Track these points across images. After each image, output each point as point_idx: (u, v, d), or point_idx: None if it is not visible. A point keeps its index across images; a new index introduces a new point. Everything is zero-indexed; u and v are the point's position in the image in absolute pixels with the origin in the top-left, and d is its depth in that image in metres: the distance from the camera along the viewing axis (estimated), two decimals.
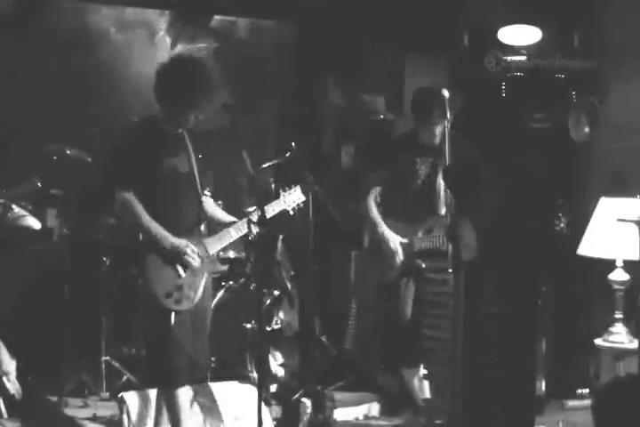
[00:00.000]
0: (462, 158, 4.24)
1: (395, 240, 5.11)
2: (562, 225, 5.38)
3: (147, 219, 4.21)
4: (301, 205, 4.76)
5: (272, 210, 4.55)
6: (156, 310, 4.25)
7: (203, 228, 4.42)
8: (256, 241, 4.40)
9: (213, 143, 5.10)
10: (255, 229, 4.15)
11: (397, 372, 5.32)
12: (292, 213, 4.69)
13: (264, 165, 5.36)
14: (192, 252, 4.26)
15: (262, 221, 4.02)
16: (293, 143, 5.22)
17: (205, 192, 4.52)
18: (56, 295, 5.46)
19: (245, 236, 4.38)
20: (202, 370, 4.59)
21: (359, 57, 6.82)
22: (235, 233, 4.41)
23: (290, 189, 4.69)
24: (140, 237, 4.27)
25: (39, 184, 5.09)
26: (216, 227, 4.50)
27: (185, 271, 4.28)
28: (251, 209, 4.90)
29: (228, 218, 4.55)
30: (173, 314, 4.21)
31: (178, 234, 4.26)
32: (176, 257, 4.24)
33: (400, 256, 5.10)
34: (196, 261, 4.28)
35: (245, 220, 4.30)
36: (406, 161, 5.16)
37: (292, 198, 4.68)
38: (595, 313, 5.71)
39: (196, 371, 4.43)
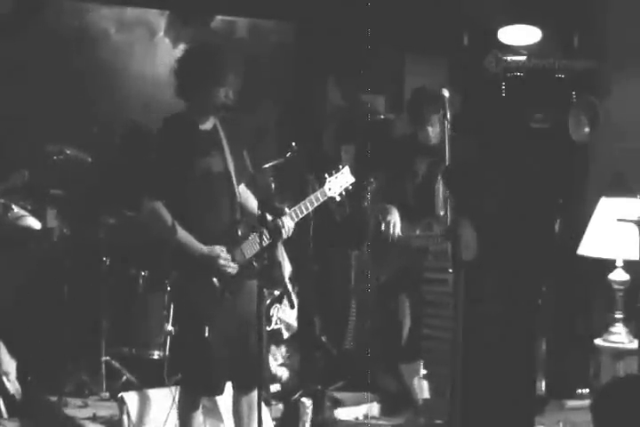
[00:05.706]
0: (462, 159, 4.25)
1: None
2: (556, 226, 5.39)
3: (176, 230, 3.95)
4: (350, 188, 4.29)
5: (315, 201, 4.19)
6: (188, 322, 4.09)
7: (240, 231, 4.11)
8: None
9: None
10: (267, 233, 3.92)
11: (397, 370, 5.31)
12: (338, 199, 4.26)
13: (265, 166, 5.25)
14: (225, 260, 4.01)
15: (269, 224, 3.87)
16: (294, 143, 5.15)
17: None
18: (56, 295, 5.46)
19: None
20: (249, 379, 4.07)
21: (359, 57, 6.82)
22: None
23: (335, 172, 4.24)
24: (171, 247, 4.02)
25: (26, 174, 5.05)
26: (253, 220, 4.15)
27: (220, 281, 4.02)
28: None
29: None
30: (208, 325, 3.95)
31: (212, 239, 4.01)
32: (208, 267, 3.99)
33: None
34: (230, 269, 4.03)
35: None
36: (405, 161, 5.16)
37: (339, 183, 4.26)
38: (595, 313, 5.72)
39: (239, 380, 4.15)
